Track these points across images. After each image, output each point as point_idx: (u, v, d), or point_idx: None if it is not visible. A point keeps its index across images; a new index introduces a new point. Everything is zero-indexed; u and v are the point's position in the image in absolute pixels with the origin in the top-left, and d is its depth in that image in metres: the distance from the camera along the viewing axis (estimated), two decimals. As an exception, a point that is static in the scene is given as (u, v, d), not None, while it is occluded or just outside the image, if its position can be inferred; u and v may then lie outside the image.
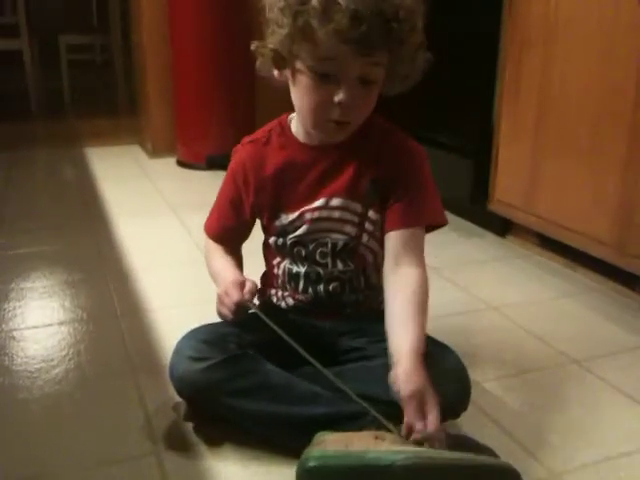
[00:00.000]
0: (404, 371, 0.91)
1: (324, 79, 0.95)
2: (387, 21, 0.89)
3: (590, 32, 1.53)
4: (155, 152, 3.04)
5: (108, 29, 4.31)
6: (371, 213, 1.08)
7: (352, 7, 0.87)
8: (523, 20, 1.73)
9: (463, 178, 2.02)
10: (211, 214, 1.20)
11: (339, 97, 0.94)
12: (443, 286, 1.65)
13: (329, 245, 1.09)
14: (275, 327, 1.00)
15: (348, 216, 1.08)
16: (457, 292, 1.62)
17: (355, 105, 0.97)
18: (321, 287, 1.11)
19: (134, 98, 3.63)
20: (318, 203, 1.07)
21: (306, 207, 1.08)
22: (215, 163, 2.78)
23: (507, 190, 1.87)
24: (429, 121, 2.19)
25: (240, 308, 1.03)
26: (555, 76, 1.64)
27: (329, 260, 1.10)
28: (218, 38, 2.70)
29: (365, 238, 1.09)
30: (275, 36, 0.95)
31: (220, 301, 1.07)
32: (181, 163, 2.92)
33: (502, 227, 1.98)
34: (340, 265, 1.10)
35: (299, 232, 1.09)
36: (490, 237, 2.00)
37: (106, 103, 4.57)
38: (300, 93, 0.99)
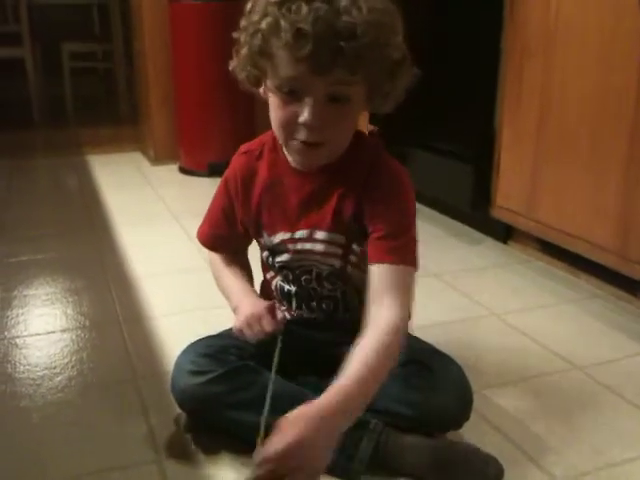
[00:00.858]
0: (299, 411, 0.83)
1: (291, 97, 0.92)
2: (338, 39, 0.85)
3: (590, 38, 1.53)
4: (157, 159, 3.05)
5: (110, 37, 4.33)
6: (355, 246, 1.04)
7: (297, 25, 0.85)
8: (524, 26, 1.73)
9: (464, 184, 2.02)
10: (204, 221, 1.18)
11: (302, 118, 0.91)
12: (444, 292, 1.65)
13: (313, 273, 1.07)
14: (274, 364, 1.00)
15: (331, 249, 1.04)
16: (458, 298, 1.62)
17: (323, 125, 0.92)
18: (314, 304, 1.11)
19: (136, 105, 3.64)
20: (301, 234, 1.04)
21: (287, 236, 1.05)
22: (216, 170, 2.79)
23: (508, 196, 1.87)
24: (431, 127, 2.19)
25: (269, 336, 1.03)
26: (556, 82, 1.65)
27: (315, 284, 1.09)
28: (219, 45, 2.70)
29: (349, 269, 1.06)
30: (241, 55, 0.96)
31: (248, 324, 1.04)
32: (183, 170, 2.92)
33: (503, 233, 1.98)
34: (328, 286, 1.09)
35: (283, 258, 1.07)
36: (491, 243, 2.00)
37: (108, 111, 4.58)
38: (271, 110, 0.97)
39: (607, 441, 1.07)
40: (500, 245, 1.99)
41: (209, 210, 1.16)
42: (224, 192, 1.12)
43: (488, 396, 1.19)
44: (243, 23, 0.94)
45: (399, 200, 1.01)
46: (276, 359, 1.00)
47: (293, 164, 1.04)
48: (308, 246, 1.04)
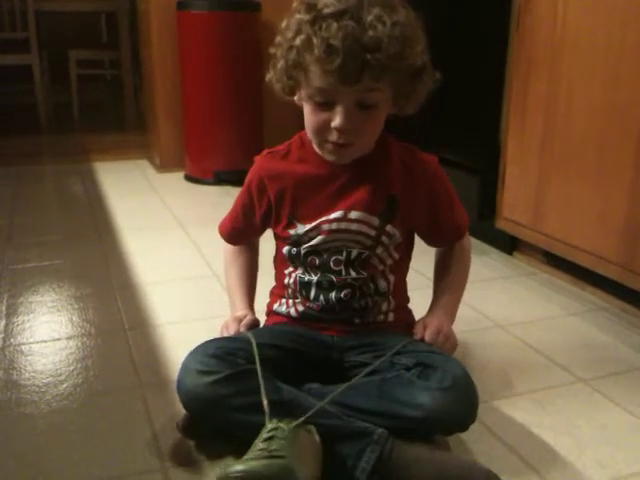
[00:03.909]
0: (432, 314, 1.17)
1: (323, 106, 1.02)
2: (365, 52, 0.94)
3: (596, 52, 1.54)
4: (163, 167, 3.06)
5: (118, 45, 4.35)
6: (389, 227, 1.12)
7: (328, 40, 0.95)
8: (530, 39, 1.73)
9: (470, 195, 2.03)
10: (227, 215, 1.28)
11: (335, 123, 1.01)
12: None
13: (344, 254, 1.12)
14: (258, 363, 1.03)
15: (365, 229, 1.11)
16: (463, 310, 1.60)
17: (353, 129, 1.02)
18: (333, 295, 1.13)
19: (143, 113, 3.65)
20: (336, 214, 1.11)
21: (324, 218, 1.11)
22: (222, 179, 2.80)
23: (514, 208, 1.87)
24: (437, 139, 2.20)
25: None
26: (561, 95, 1.65)
27: (342, 268, 1.13)
28: (227, 54, 2.72)
29: (379, 250, 1.13)
30: (277, 69, 1.05)
31: (221, 332, 1.18)
32: (189, 178, 2.93)
33: (509, 244, 1.98)
34: (353, 273, 1.13)
35: (314, 242, 1.13)
36: (497, 254, 2.01)
37: (115, 118, 4.60)
38: (306, 116, 1.06)
39: (612, 455, 1.07)
40: (505, 256, 1.99)
41: (233, 206, 1.26)
42: (246, 191, 1.21)
43: (493, 408, 1.19)
44: (278, 39, 1.04)
45: (441, 184, 1.16)
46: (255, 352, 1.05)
47: (325, 158, 1.11)
48: (343, 225, 1.11)
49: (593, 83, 1.56)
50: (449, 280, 1.22)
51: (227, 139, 2.83)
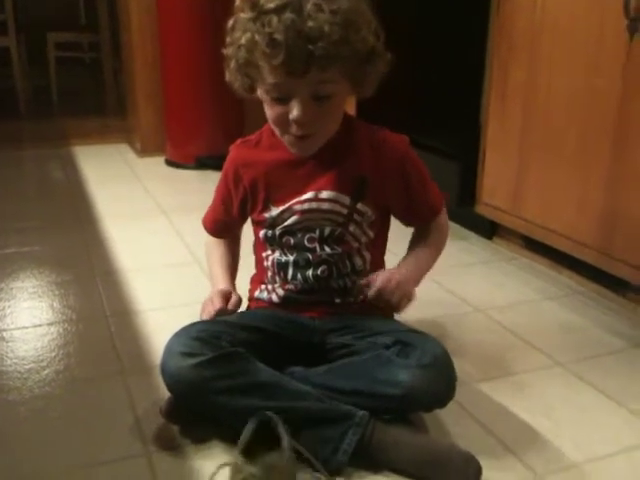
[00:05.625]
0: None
1: (279, 100, 1.03)
2: (308, 43, 0.95)
3: (576, 39, 1.55)
4: (144, 151, 3.04)
5: (97, 27, 4.30)
6: (360, 205, 1.13)
7: (271, 35, 0.96)
8: (510, 26, 1.74)
9: (450, 181, 2.04)
10: (209, 208, 1.30)
11: (292, 115, 1.02)
12: (429, 288, 1.65)
13: (317, 232, 1.14)
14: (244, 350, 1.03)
15: (337, 207, 1.13)
16: (443, 294, 1.63)
17: (311, 120, 1.03)
18: (309, 272, 1.15)
19: (123, 97, 3.62)
20: (307, 195, 1.13)
21: (295, 199, 1.13)
22: (204, 164, 2.79)
23: (494, 193, 1.89)
24: (417, 124, 2.21)
25: (219, 316, 1.14)
26: (541, 80, 1.66)
27: (317, 245, 1.15)
28: (207, 38, 2.70)
29: (352, 227, 1.14)
30: (231, 68, 1.07)
31: (204, 306, 1.17)
32: (170, 162, 2.92)
33: (489, 229, 2.00)
34: (327, 249, 1.15)
35: (288, 222, 1.14)
36: (476, 239, 2.02)
37: (94, 102, 4.55)
38: (266, 111, 1.08)
39: (588, 436, 1.09)
40: (485, 241, 2.01)
41: (213, 200, 1.27)
42: (223, 183, 1.23)
43: (472, 391, 1.21)
44: (228, 40, 1.05)
45: (411, 163, 1.16)
46: None
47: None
48: (314, 205, 1.13)
49: (573, 69, 1.57)
50: (419, 247, 1.22)
51: (208, 124, 2.82)
